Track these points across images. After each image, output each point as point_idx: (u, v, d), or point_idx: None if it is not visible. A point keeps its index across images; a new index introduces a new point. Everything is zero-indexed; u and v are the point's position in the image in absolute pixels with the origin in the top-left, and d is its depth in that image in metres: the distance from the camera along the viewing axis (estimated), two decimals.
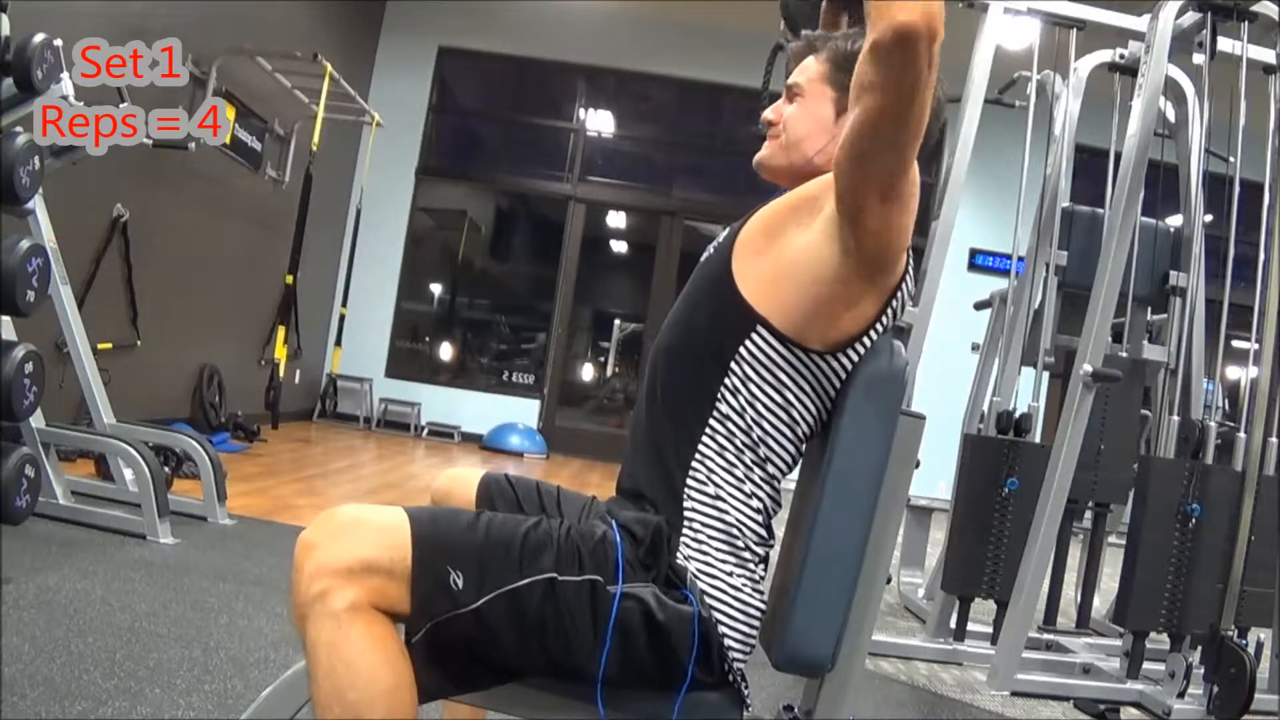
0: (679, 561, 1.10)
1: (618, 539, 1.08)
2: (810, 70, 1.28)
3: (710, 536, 1.12)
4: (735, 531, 1.12)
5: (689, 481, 1.13)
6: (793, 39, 1.39)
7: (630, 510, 1.15)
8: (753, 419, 1.13)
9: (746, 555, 1.13)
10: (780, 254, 1.14)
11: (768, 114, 1.31)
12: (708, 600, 1.09)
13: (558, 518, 1.18)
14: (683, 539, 1.12)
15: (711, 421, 1.14)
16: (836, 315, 1.12)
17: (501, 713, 1.12)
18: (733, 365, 1.13)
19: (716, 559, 1.11)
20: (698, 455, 1.13)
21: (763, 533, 1.15)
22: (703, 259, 1.27)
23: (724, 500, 1.12)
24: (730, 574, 1.11)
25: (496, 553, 1.03)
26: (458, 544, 1.03)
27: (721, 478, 1.13)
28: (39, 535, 2.75)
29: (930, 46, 0.97)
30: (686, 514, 1.12)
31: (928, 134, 1.28)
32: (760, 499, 1.14)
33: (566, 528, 1.08)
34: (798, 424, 1.15)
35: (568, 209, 8.39)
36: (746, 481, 1.13)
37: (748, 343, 1.13)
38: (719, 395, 1.14)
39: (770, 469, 1.15)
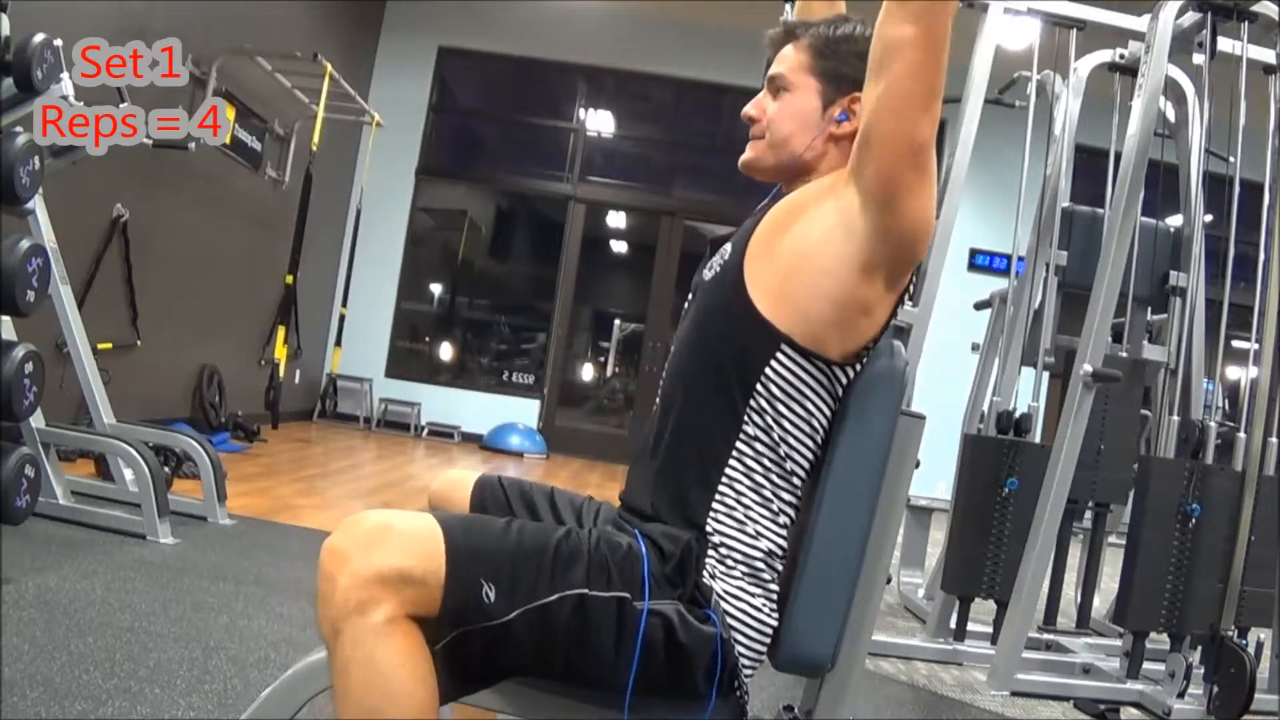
0: (704, 580, 1.09)
1: (644, 553, 1.06)
2: (790, 60, 1.23)
3: (737, 561, 1.10)
4: (761, 554, 1.11)
5: (714, 508, 1.11)
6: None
7: (651, 523, 1.13)
8: (779, 436, 1.12)
9: (767, 575, 1.12)
10: (790, 251, 1.11)
11: (749, 110, 1.26)
12: (729, 620, 1.08)
13: (576, 525, 1.17)
14: (708, 559, 1.10)
15: (739, 444, 1.12)
16: (855, 323, 1.10)
17: (511, 714, 1.12)
18: (758, 387, 1.11)
19: (743, 581, 1.10)
20: (725, 480, 1.11)
21: (784, 549, 1.14)
22: (708, 276, 1.22)
23: (754, 522, 1.11)
24: (754, 595, 1.10)
25: (529, 564, 1.01)
26: (490, 555, 1.01)
27: (751, 499, 1.11)
28: (39, 535, 2.75)
29: None
30: (712, 539, 1.11)
31: None
32: (787, 514, 1.14)
33: (596, 538, 1.06)
34: (818, 432, 1.14)
35: (568, 209, 8.39)
36: (774, 499, 1.12)
37: (773, 363, 1.10)
38: (745, 418, 1.11)
39: (795, 480, 1.14)
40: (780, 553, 1.13)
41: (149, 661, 1.93)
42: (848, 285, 1.08)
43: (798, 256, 1.11)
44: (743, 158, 1.28)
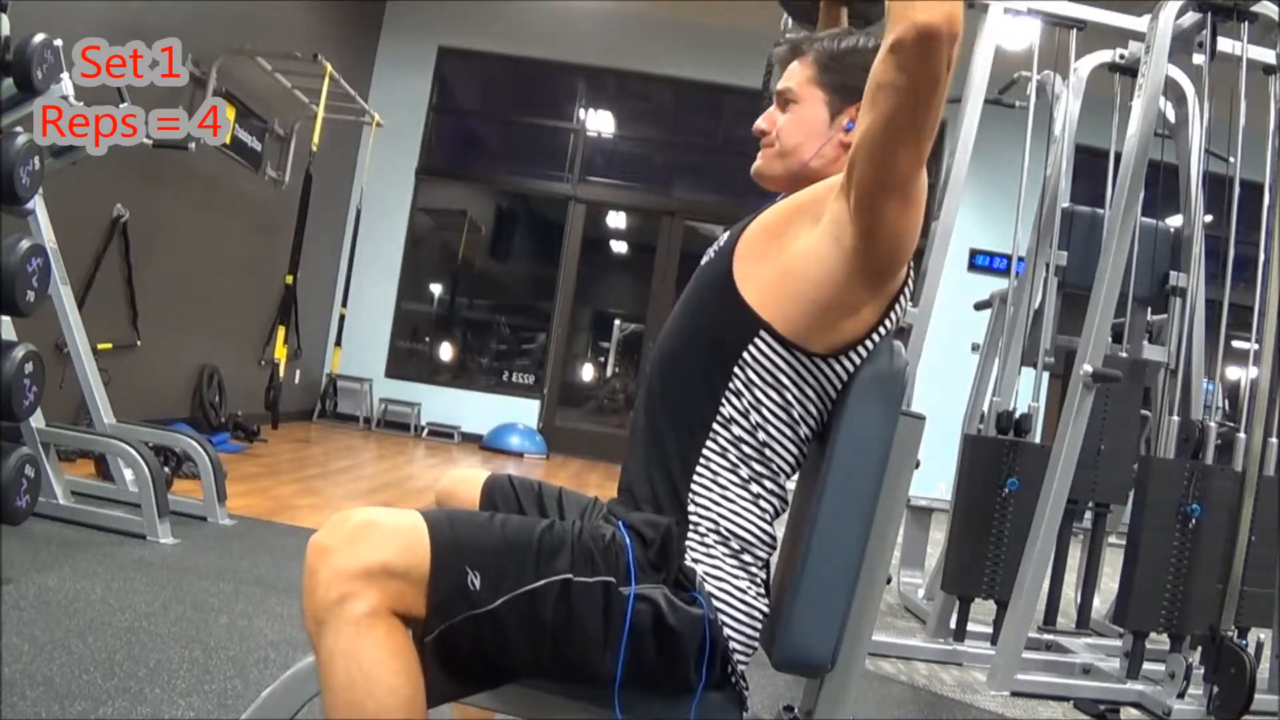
0: (687, 563, 1.10)
1: (627, 540, 1.08)
2: (798, 74, 1.27)
3: (717, 541, 1.12)
4: (742, 536, 1.12)
5: (693, 487, 1.13)
6: (793, 33, 1.39)
7: (635, 512, 1.15)
8: (756, 422, 1.13)
9: (748, 559, 1.13)
10: (784, 257, 1.13)
11: (760, 123, 1.30)
12: (715, 603, 1.09)
13: (566, 518, 1.18)
14: (689, 542, 1.12)
15: (715, 426, 1.13)
16: (838, 322, 1.12)
17: (510, 714, 1.12)
18: (736, 370, 1.13)
19: (725, 563, 1.11)
20: (702, 460, 1.13)
21: (768, 536, 1.15)
22: (703, 262, 1.26)
23: (731, 504, 1.12)
24: (737, 578, 1.11)
25: (514, 554, 1.02)
26: (475, 545, 1.02)
27: (727, 480, 1.13)
28: (39, 535, 2.75)
29: (950, 47, 0.97)
30: (692, 519, 1.12)
31: None
32: (767, 501, 1.15)
33: (579, 529, 1.08)
34: (799, 426, 1.15)
35: (568, 209, 8.39)
36: (754, 483, 1.14)
37: (751, 348, 1.13)
38: (722, 400, 1.13)
39: (775, 469, 1.15)
40: (763, 541, 1.14)
41: (149, 661, 1.93)
42: (831, 291, 1.10)
43: (786, 258, 1.13)
44: (754, 166, 1.31)
